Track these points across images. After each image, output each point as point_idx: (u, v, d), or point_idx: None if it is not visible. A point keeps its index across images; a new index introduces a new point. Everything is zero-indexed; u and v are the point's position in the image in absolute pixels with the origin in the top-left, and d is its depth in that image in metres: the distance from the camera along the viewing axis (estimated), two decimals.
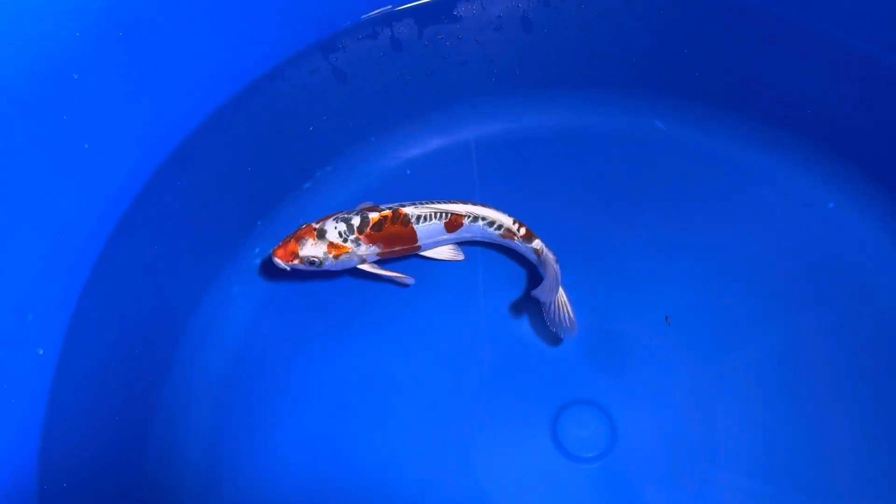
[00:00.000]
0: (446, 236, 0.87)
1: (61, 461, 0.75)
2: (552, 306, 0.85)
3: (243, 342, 0.94)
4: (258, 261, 0.98)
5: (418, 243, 0.87)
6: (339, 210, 0.86)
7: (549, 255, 0.85)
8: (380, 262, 0.89)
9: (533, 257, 0.88)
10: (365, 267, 0.88)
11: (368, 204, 0.87)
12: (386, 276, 0.89)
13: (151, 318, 0.89)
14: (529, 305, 0.93)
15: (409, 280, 0.90)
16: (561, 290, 0.85)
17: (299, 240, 0.82)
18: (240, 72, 0.89)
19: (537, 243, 0.86)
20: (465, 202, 0.85)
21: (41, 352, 0.75)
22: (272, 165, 0.98)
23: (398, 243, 0.86)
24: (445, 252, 0.92)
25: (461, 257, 0.92)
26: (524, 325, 0.92)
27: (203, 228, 0.94)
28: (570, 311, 0.85)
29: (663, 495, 0.83)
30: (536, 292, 0.84)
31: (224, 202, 0.96)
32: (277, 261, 0.83)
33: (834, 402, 0.85)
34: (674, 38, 0.99)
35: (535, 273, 0.93)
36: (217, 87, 0.88)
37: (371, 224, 0.83)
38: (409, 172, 1.03)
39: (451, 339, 0.92)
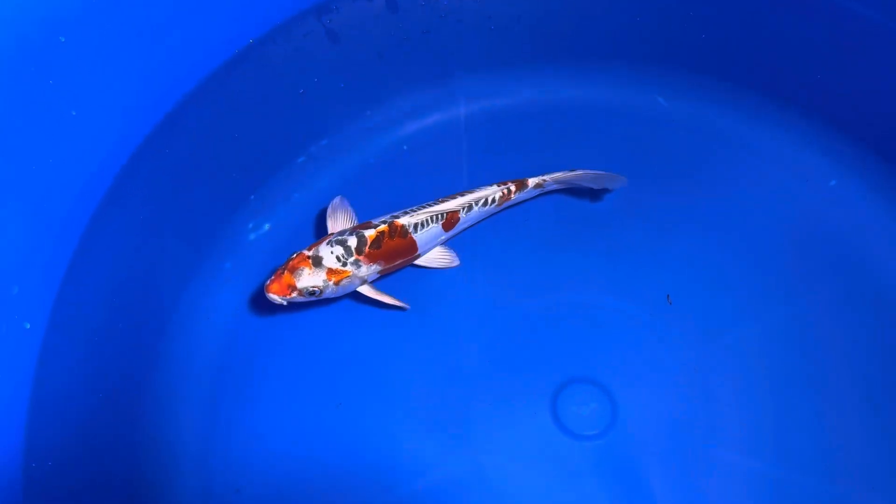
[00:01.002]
0: (446, 235, 0.85)
1: (48, 438, 0.73)
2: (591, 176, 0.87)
3: (236, 319, 0.92)
4: (252, 236, 0.96)
5: (419, 252, 0.84)
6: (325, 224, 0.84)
7: (557, 175, 0.86)
8: (379, 280, 0.86)
9: (545, 190, 0.87)
10: (364, 290, 0.83)
11: (338, 199, 0.85)
12: (386, 302, 0.85)
13: (141, 293, 0.87)
14: (530, 276, 0.91)
15: (406, 305, 0.86)
16: (579, 174, 0.87)
17: (294, 270, 0.76)
18: (231, 36, 0.86)
19: (533, 182, 0.86)
20: (452, 196, 0.83)
21: (28, 326, 0.72)
22: (265, 137, 0.95)
23: (399, 256, 0.83)
24: (441, 260, 0.89)
25: (457, 263, 0.90)
26: (524, 302, 0.90)
27: (194, 201, 0.91)
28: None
29: (664, 474, 0.82)
30: (598, 187, 0.88)
31: (215, 174, 0.93)
32: (273, 296, 0.76)
33: (837, 379, 0.84)
34: (677, 10, 0.96)
35: (537, 234, 0.93)
36: (208, 52, 0.85)
37: (369, 242, 0.78)
38: (406, 148, 1.01)
39: (450, 317, 0.90)
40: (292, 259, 0.77)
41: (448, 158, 1.00)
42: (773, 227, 0.92)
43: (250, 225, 0.96)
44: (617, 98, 1.00)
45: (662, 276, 0.90)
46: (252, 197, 0.97)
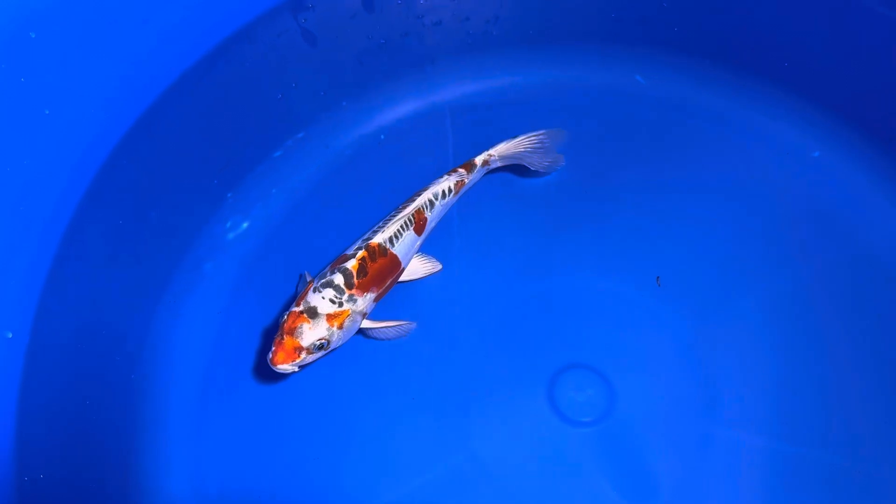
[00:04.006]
0: (420, 239, 0.84)
1: (39, 450, 0.70)
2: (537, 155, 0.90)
3: (220, 320, 0.90)
4: (230, 235, 0.94)
5: (403, 265, 0.82)
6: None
7: (500, 147, 0.88)
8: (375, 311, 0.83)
9: (490, 167, 0.89)
10: (366, 325, 0.80)
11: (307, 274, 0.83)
12: (391, 329, 0.83)
13: (122, 296, 0.84)
14: (518, 265, 0.91)
15: (412, 325, 0.84)
16: (522, 140, 0.89)
17: (293, 331, 0.72)
18: (206, 34, 0.84)
19: (480, 160, 0.87)
20: (411, 199, 0.82)
21: (10, 335, 0.69)
22: (241, 134, 0.93)
23: (388, 276, 0.80)
24: (423, 269, 0.87)
25: (440, 267, 0.88)
26: (513, 291, 0.90)
27: (170, 202, 0.89)
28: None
29: (664, 455, 0.81)
30: (535, 167, 0.90)
31: (191, 173, 0.91)
32: (282, 367, 0.71)
33: (831, 349, 0.85)
34: None
35: (522, 222, 0.93)
36: (183, 49, 0.83)
37: (355, 273, 0.76)
38: (383, 137, 0.99)
39: (441, 312, 0.89)
40: (285, 321, 0.73)
41: (427, 147, 0.99)
42: (759, 201, 0.93)
43: (228, 224, 0.95)
44: (596, 78, 1.01)
45: (652, 256, 0.90)
46: (229, 195, 0.95)
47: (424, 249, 0.87)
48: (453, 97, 1.00)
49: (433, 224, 0.85)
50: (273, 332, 0.85)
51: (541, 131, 0.89)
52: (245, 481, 0.82)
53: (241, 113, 0.92)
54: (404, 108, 1.00)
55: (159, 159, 0.86)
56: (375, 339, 0.85)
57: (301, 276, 0.85)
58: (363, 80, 0.98)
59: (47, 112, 0.71)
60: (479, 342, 0.88)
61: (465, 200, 0.90)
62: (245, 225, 0.95)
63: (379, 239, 0.78)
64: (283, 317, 0.74)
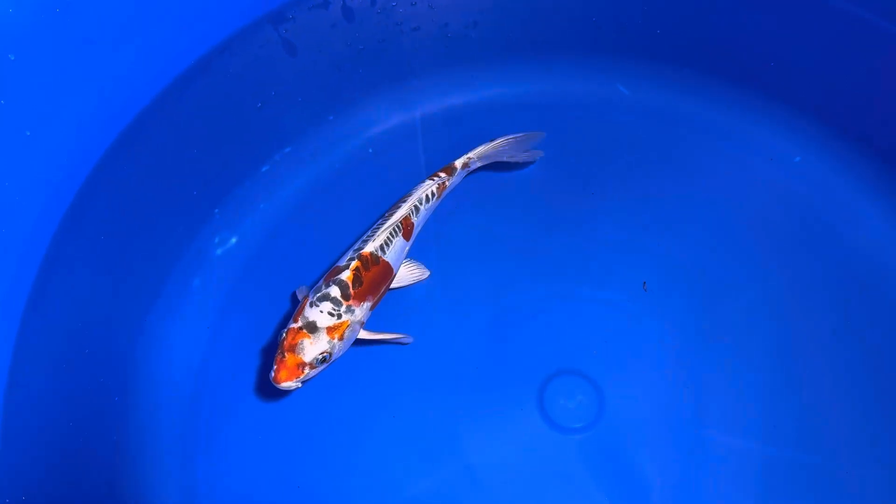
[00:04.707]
0: (409, 245, 0.84)
1: (19, 472, 0.70)
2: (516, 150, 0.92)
3: (209, 337, 0.90)
4: (219, 251, 0.94)
5: (395, 271, 0.82)
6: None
7: (479, 149, 0.89)
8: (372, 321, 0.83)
9: (470, 169, 0.89)
10: (364, 336, 0.79)
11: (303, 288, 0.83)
12: (388, 339, 0.82)
13: (107, 316, 0.84)
14: (504, 274, 0.91)
15: (409, 338, 0.83)
16: (500, 142, 0.90)
17: (294, 348, 0.71)
18: (187, 48, 0.84)
19: (460, 163, 0.88)
20: (397, 205, 0.83)
21: None
22: (226, 148, 0.93)
23: (382, 283, 0.80)
24: (411, 276, 0.87)
25: (427, 274, 0.88)
26: (499, 300, 0.90)
27: (156, 219, 0.89)
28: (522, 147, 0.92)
29: (655, 460, 0.81)
30: (515, 159, 0.92)
31: (176, 190, 0.91)
32: (286, 385, 0.70)
33: (817, 354, 0.85)
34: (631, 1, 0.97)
35: (504, 228, 0.94)
36: (164, 65, 0.83)
37: (351, 284, 0.75)
38: (371, 151, 0.99)
39: (430, 319, 0.89)
40: (285, 339, 0.72)
41: (414, 158, 0.99)
42: (742, 206, 0.93)
43: (216, 239, 0.94)
44: (578, 88, 1.01)
45: (638, 262, 0.90)
46: (216, 210, 0.95)
47: (410, 256, 0.88)
48: (436, 108, 1.01)
49: (419, 228, 0.86)
50: (270, 350, 0.86)
51: (519, 134, 0.90)
52: (235, 499, 0.82)
53: (225, 127, 0.92)
54: (389, 120, 1.00)
55: (143, 176, 0.86)
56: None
57: (294, 294, 0.85)
58: (347, 94, 0.99)
59: (28, 133, 0.71)
60: (468, 350, 0.87)
61: (446, 207, 0.90)
62: (233, 240, 0.95)
63: (370, 248, 0.78)
64: (281, 334, 0.73)
